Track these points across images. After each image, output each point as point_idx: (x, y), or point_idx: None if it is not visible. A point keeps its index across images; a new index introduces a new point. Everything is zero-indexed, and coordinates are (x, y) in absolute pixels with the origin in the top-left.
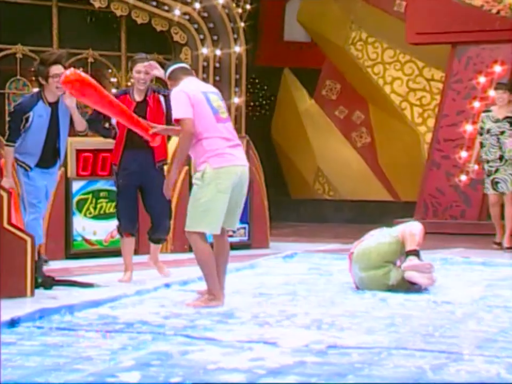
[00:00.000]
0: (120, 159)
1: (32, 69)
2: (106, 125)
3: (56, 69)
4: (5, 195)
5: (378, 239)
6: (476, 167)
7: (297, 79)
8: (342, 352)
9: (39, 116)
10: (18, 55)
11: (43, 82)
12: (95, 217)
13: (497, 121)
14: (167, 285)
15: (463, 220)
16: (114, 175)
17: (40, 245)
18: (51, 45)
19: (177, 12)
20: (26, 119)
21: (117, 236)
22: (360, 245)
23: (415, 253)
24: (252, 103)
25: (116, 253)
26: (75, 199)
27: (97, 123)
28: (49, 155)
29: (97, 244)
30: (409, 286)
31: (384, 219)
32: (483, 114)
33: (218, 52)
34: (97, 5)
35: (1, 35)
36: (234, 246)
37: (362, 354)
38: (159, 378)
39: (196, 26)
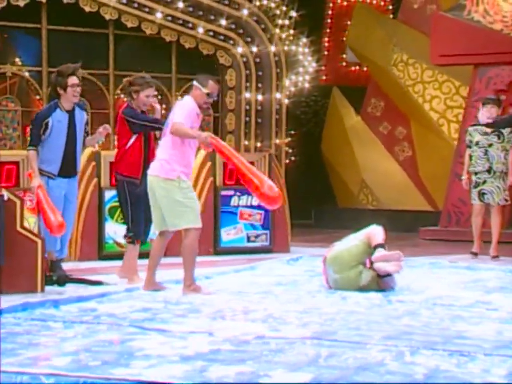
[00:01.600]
0: (142, 173)
1: (51, 81)
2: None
3: (73, 80)
4: (18, 201)
5: (347, 243)
6: (464, 177)
7: (344, 97)
8: (264, 341)
9: (58, 121)
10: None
11: (61, 92)
12: (122, 222)
13: (485, 134)
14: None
15: (485, 229)
16: (121, 184)
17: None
18: (107, 67)
19: (239, 50)
20: (46, 125)
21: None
22: (332, 250)
23: (382, 246)
24: (314, 120)
25: (142, 255)
26: (107, 207)
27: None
28: (70, 162)
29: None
30: (380, 286)
31: (417, 227)
32: (470, 128)
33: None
34: (148, 31)
35: (64, 60)
36: (256, 251)
37: (279, 344)
38: (81, 363)
39: (240, 49)
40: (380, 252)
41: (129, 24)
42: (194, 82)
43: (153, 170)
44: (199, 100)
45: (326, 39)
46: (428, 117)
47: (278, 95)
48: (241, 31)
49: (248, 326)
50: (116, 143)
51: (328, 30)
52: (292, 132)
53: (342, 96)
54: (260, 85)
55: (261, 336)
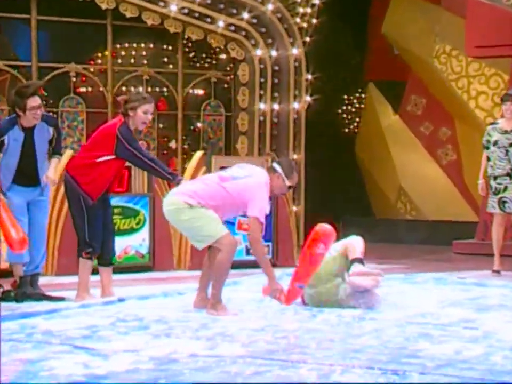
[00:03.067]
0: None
1: (9, 100)
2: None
3: (33, 101)
4: None
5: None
6: (480, 182)
7: (381, 93)
8: (194, 360)
9: (14, 140)
10: (72, 74)
11: (20, 113)
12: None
13: (505, 132)
14: (121, 300)
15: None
16: (75, 194)
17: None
18: (105, 62)
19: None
20: (2, 142)
21: (132, 253)
22: None
23: (359, 261)
24: (357, 119)
25: (129, 269)
26: None
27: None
28: (25, 176)
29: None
30: (360, 302)
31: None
32: (489, 127)
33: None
34: (150, 22)
35: (55, 53)
36: (257, 265)
37: (207, 362)
38: None
39: (253, 42)
40: (356, 267)
41: (128, 14)
42: (277, 168)
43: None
44: (276, 190)
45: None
46: (473, 116)
47: (296, 105)
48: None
49: (188, 344)
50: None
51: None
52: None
53: (378, 92)
54: (276, 95)
55: (193, 355)
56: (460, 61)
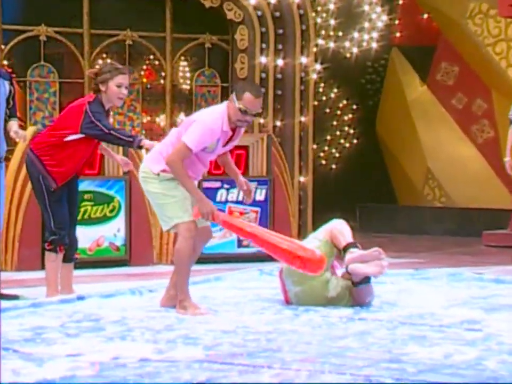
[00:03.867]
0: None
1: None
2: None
3: None
4: None
5: (306, 245)
6: (508, 159)
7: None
8: (144, 364)
9: None
10: (42, 38)
11: None
12: (78, 223)
13: None
14: (80, 298)
15: None
16: (36, 175)
17: None
18: (81, 25)
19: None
20: None
21: (105, 245)
22: None
23: (354, 245)
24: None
25: (102, 263)
26: None
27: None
28: None
29: (80, 252)
30: (354, 298)
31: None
32: None
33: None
34: None
35: (23, 15)
36: (249, 258)
37: (158, 367)
38: None
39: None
40: (353, 253)
41: None
42: (233, 95)
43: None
44: (232, 118)
45: None
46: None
47: (303, 60)
48: None
49: (142, 348)
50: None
51: None
52: (354, 107)
53: (403, 58)
54: (280, 47)
55: (144, 359)
56: (498, 21)
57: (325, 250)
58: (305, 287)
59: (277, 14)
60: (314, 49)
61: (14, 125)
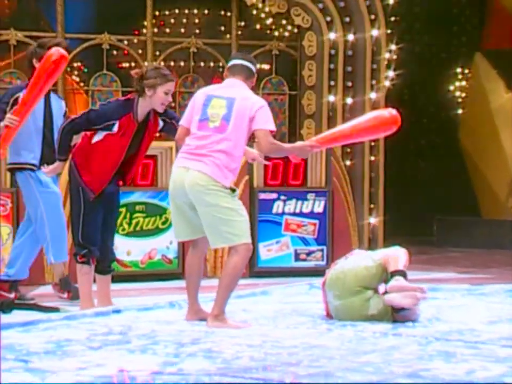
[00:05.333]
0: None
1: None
2: None
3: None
4: None
5: (356, 261)
6: None
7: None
8: (151, 378)
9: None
10: (105, 46)
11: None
12: (130, 235)
13: None
14: (116, 311)
15: None
16: (75, 186)
17: None
18: (144, 32)
19: None
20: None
21: (157, 257)
22: (333, 270)
23: (402, 273)
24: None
25: (154, 276)
26: None
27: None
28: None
29: (132, 265)
30: (395, 317)
31: None
32: None
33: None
34: None
35: (86, 24)
36: (308, 272)
37: (164, 379)
38: None
39: (321, 6)
40: (398, 281)
41: None
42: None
43: (200, 166)
44: None
45: None
46: None
47: (374, 32)
48: None
49: (158, 361)
50: None
51: None
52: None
53: (487, 64)
54: (349, 53)
55: (156, 372)
56: None
57: (376, 271)
58: (345, 301)
59: (347, 19)
60: (387, 55)
61: None
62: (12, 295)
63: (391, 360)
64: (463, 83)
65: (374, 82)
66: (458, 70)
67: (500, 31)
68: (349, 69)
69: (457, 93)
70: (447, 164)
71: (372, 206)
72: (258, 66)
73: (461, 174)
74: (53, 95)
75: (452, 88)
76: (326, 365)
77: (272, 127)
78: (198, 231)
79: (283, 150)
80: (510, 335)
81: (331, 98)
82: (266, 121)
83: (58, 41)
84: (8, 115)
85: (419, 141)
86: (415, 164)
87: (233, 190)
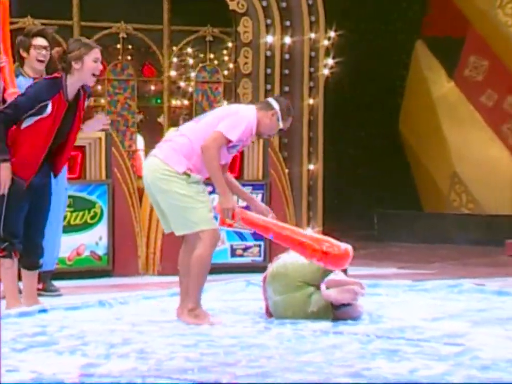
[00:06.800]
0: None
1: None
2: None
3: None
4: None
5: (299, 256)
6: None
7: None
8: (80, 380)
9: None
10: (122, 35)
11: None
12: None
13: None
14: (42, 310)
15: None
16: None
17: None
18: (70, 17)
19: None
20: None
21: (86, 254)
22: (276, 263)
23: (343, 269)
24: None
25: (82, 274)
26: None
27: None
28: None
29: (59, 262)
30: (335, 314)
31: None
32: None
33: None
34: None
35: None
36: (244, 269)
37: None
38: None
39: None
40: (336, 275)
41: None
42: (274, 104)
43: (157, 151)
44: (264, 129)
45: None
46: None
47: (312, 35)
48: None
49: (88, 362)
50: None
51: None
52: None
53: (428, 52)
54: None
55: (86, 374)
56: None
57: (318, 267)
58: (286, 296)
59: (283, 4)
60: (326, 43)
61: None
62: None
63: (332, 359)
64: (404, 72)
65: (312, 70)
66: (399, 58)
67: (441, 18)
68: (287, 56)
69: (398, 82)
70: (387, 156)
71: (311, 198)
72: (191, 52)
73: (402, 167)
74: None
75: (392, 77)
76: (265, 365)
77: (232, 136)
78: None
79: (216, 177)
80: (452, 332)
81: (268, 87)
82: (229, 127)
83: (43, 28)
84: None
85: (359, 132)
86: (355, 156)
87: (188, 176)
